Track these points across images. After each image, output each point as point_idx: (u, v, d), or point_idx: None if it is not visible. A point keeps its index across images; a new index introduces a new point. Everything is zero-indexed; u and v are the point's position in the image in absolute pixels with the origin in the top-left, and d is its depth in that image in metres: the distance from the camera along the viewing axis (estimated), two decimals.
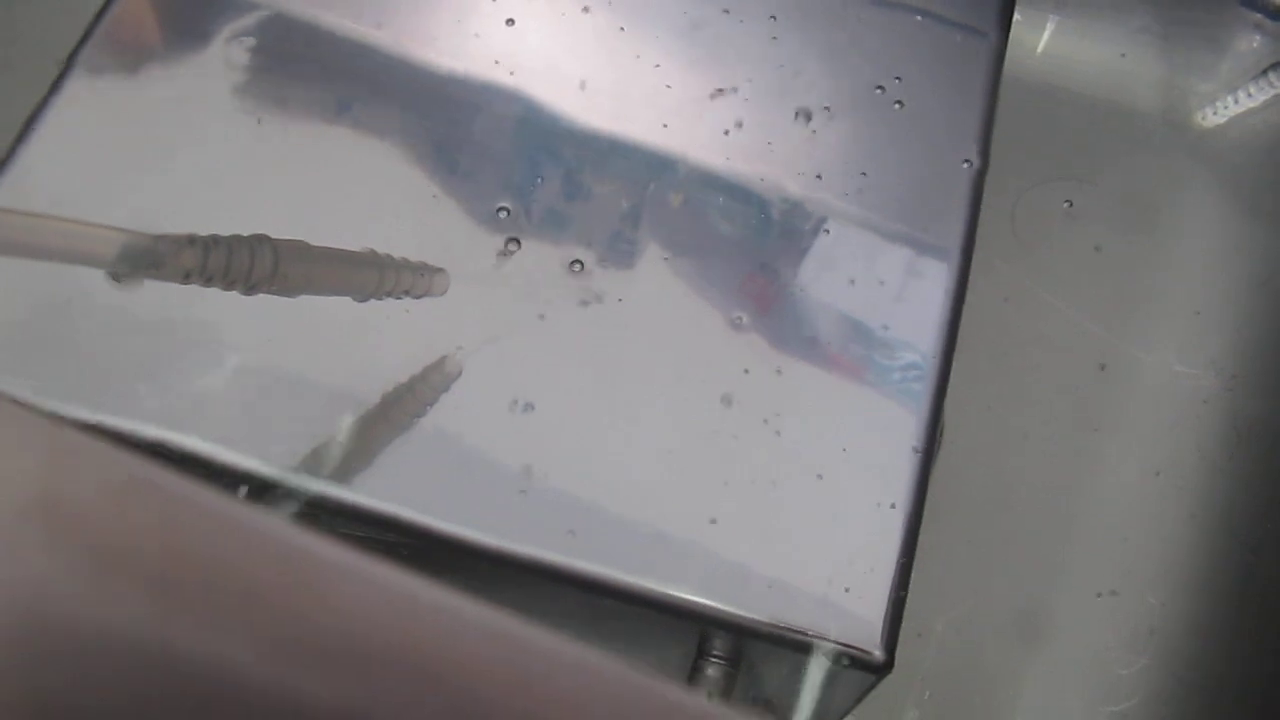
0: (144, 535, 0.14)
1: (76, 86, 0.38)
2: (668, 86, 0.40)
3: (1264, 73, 0.56)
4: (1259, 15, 0.55)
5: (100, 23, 0.39)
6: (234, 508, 0.15)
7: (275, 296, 0.30)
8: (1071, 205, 0.54)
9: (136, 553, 0.13)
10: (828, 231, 0.38)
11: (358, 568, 0.15)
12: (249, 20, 0.39)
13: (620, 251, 0.37)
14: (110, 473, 0.14)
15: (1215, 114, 0.56)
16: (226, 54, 0.39)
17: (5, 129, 0.37)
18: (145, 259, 0.26)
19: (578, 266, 0.36)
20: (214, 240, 0.28)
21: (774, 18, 0.41)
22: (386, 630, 0.14)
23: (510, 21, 0.40)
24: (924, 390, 0.35)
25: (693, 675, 0.35)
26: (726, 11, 0.41)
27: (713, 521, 0.33)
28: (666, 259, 0.37)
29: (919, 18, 0.41)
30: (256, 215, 0.34)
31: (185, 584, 0.13)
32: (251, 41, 0.39)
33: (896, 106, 0.40)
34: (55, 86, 0.38)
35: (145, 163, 0.37)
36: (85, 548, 0.13)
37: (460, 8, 0.40)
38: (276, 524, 0.15)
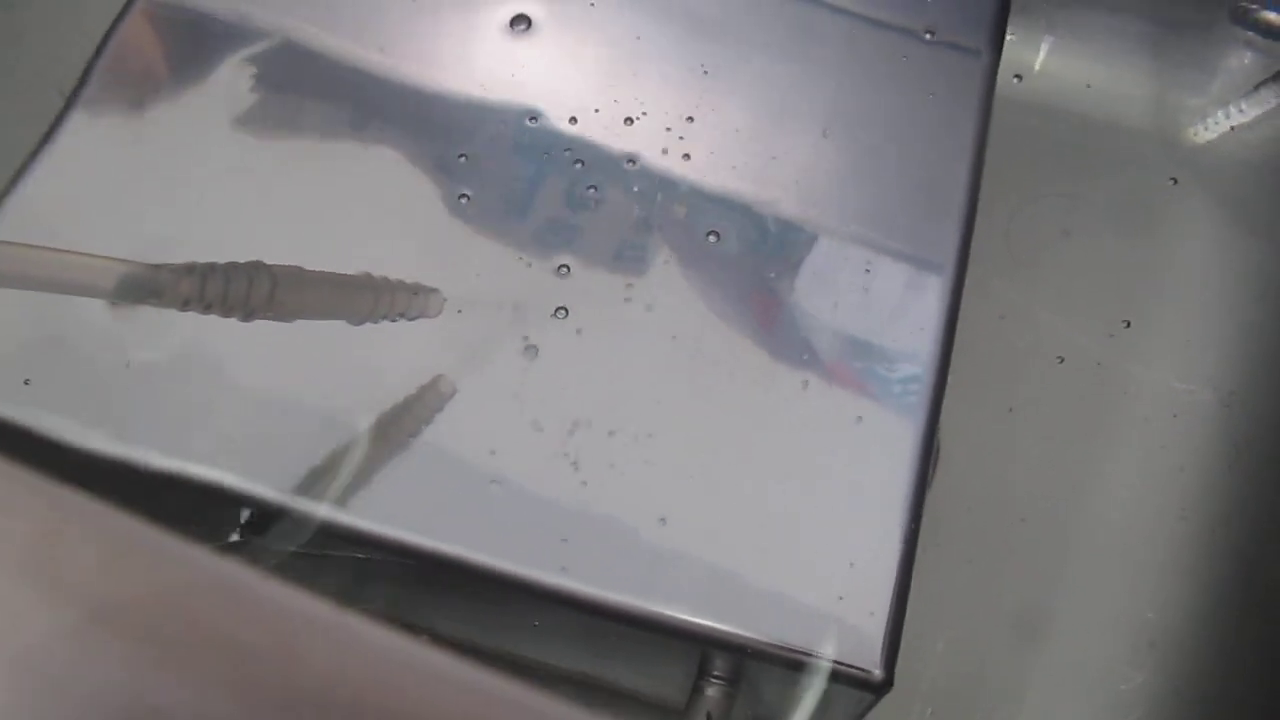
0: (137, 594, 0.14)
1: (79, 117, 0.38)
2: (669, 103, 0.40)
3: (1255, 89, 0.56)
4: (1249, 33, 0.56)
5: (103, 52, 0.39)
6: (222, 565, 0.15)
7: (272, 322, 0.31)
8: (1066, 222, 0.55)
9: (130, 611, 0.14)
10: (821, 249, 0.38)
11: (339, 624, 0.15)
12: (251, 50, 0.40)
13: (616, 270, 0.37)
14: (104, 531, 0.15)
15: (1207, 130, 0.57)
16: (228, 83, 0.39)
17: (9, 158, 0.37)
18: (144, 289, 0.26)
19: (573, 285, 0.37)
20: (211, 268, 0.28)
21: (770, 37, 0.41)
22: (366, 687, 0.14)
23: (513, 37, 0.41)
24: (920, 406, 0.35)
25: (693, 695, 0.35)
26: (724, 31, 0.41)
27: (711, 541, 0.33)
28: (663, 278, 0.37)
29: (912, 37, 0.42)
30: (257, 242, 0.34)
31: (176, 643, 0.14)
32: (253, 71, 0.39)
33: (891, 125, 0.40)
34: (59, 118, 0.38)
35: (147, 192, 0.37)
36: (80, 606, 0.14)
37: (462, 32, 0.41)
38: (262, 581, 0.15)
